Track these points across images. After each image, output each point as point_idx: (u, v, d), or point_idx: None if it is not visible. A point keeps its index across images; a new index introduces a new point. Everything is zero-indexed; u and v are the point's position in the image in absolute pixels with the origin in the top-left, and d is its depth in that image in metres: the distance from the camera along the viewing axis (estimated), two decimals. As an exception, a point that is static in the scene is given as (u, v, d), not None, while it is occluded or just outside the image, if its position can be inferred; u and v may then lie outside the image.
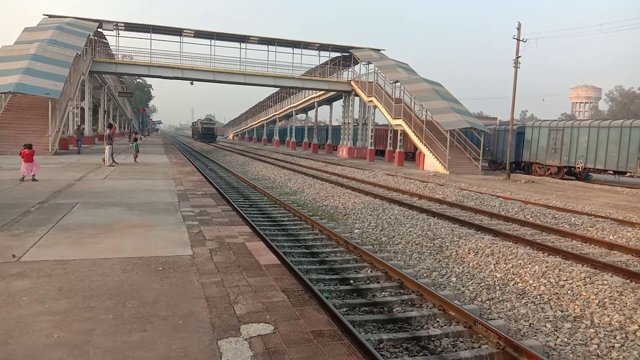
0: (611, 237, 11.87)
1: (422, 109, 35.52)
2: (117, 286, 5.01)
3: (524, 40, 28.79)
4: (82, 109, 38.00)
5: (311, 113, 62.95)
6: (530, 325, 6.65)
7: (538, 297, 7.59)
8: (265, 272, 5.73)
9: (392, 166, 34.67)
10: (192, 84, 43.14)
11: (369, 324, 6.44)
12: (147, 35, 39.77)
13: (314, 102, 55.63)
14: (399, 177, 24.84)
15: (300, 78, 44.39)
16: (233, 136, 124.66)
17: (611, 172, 27.12)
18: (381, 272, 8.47)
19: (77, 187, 12.72)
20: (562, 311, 7.04)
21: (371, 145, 41.39)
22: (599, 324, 6.62)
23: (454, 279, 8.56)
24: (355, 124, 46.52)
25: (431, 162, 31.61)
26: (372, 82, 40.41)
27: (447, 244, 10.46)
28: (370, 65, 41.87)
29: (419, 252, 10.26)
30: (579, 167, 28.04)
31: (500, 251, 9.59)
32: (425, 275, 8.82)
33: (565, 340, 6.20)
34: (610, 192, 22.70)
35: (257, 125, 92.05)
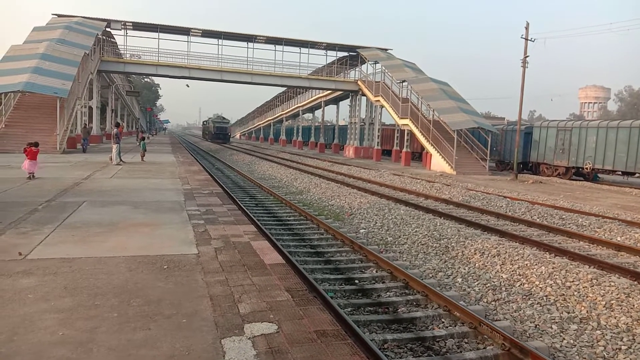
0: (619, 239, 11.78)
1: (429, 108, 35.41)
2: (122, 284, 5.03)
3: (533, 39, 28.65)
4: (90, 108, 38.23)
5: (318, 112, 63.12)
6: (536, 327, 6.61)
7: (544, 298, 7.54)
8: (270, 272, 5.73)
9: (398, 166, 34.59)
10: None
11: (374, 324, 6.43)
12: (155, 34, 39.94)
13: (321, 101, 55.64)
14: (406, 177, 24.78)
15: (307, 77, 44.40)
16: (240, 135, 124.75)
17: (620, 172, 26.91)
18: (386, 272, 8.45)
19: (84, 185, 12.79)
20: (569, 312, 6.99)
21: (378, 145, 41.33)
22: (605, 325, 6.57)
23: (459, 280, 8.52)
24: (362, 123, 46.47)
25: (438, 162, 31.52)
26: (379, 81, 40.37)
27: (453, 244, 10.42)
28: (377, 64, 41.84)
29: (424, 252, 10.23)
30: (587, 168, 27.85)
31: (506, 252, 9.54)
32: (430, 275, 8.79)
33: (572, 341, 6.16)
34: (619, 193, 22.52)
35: (263, 124, 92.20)
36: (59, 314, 4.19)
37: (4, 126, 26.57)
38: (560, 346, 6.05)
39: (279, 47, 42.70)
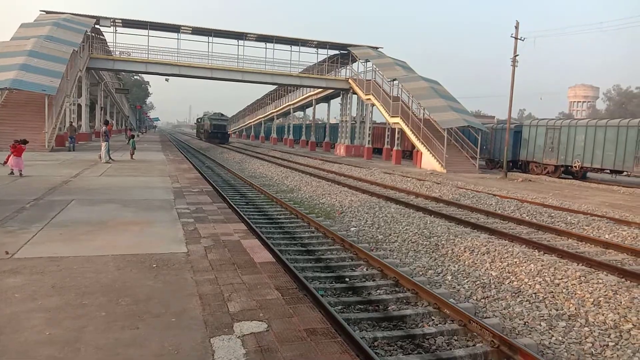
0: (607, 236, 11.89)
1: (420, 107, 35.52)
2: (111, 283, 4.99)
3: (522, 38, 28.83)
4: (79, 106, 37.87)
5: (309, 111, 63.08)
6: (525, 324, 6.65)
7: (533, 295, 7.59)
8: (260, 270, 5.71)
9: (389, 164, 34.67)
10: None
11: (364, 322, 6.43)
12: (145, 32, 39.64)
13: (312, 99, 55.58)
14: (396, 175, 24.84)
15: (298, 76, 44.33)
16: (230, 134, 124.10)
17: (608, 171, 27.17)
18: (377, 270, 8.46)
19: (73, 183, 12.68)
20: (557, 310, 7.04)
21: (369, 144, 41.39)
22: (593, 322, 6.63)
23: (449, 277, 8.55)
24: (353, 122, 46.51)
25: (428, 161, 31.62)
26: (370, 80, 40.40)
27: (443, 242, 10.46)
28: (368, 63, 41.87)
29: (415, 250, 10.26)
30: (576, 166, 28.08)
31: (496, 250, 9.59)
32: (420, 273, 8.81)
33: (560, 338, 6.20)
34: (607, 191, 22.73)
35: (254, 122, 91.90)
36: (46, 313, 4.15)
37: (-9, 124, 26.25)
38: (549, 343, 6.10)
39: (269, 45, 42.58)
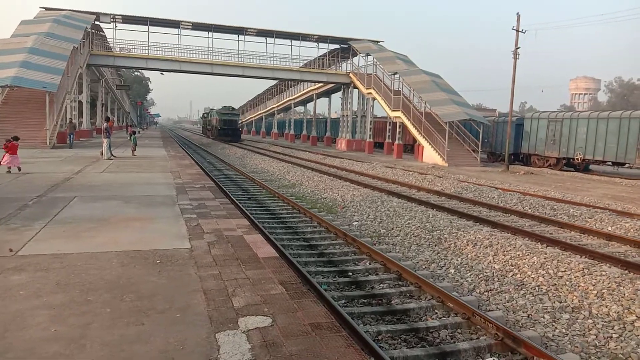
0: (610, 228, 11.87)
1: (421, 100, 35.43)
2: (115, 280, 5.00)
3: (524, 31, 28.67)
4: (80, 103, 37.88)
5: (310, 105, 62.90)
6: (528, 317, 6.65)
7: (536, 288, 7.59)
8: (264, 265, 5.72)
9: (390, 158, 34.63)
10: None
11: (368, 315, 6.44)
12: (145, 27, 39.57)
13: (313, 94, 55.48)
14: (398, 170, 24.82)
15: (299, 70, 44.23)
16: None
17: (610, 163, 27.11)
18: (380, 264, 8.47)
19: (75, 180, 12.69)
20: (561, 302, 7.04)
21: (370, 138, 41.33)
22: (597, 314, 6.63)
23: (452, 271, 8.56)
24: (354, 116, 46.43)
25: (430, 154, 31.58)
26: (371, 74, 40.29)
27: (445, 235, 10.46)
28: (369, 57, 41.72)
29: (417, 244, 10.25)
30: (577, 159, 28.03)
31: (498, 242, 9.59)
32: (423, 267, 8.82)
33: (564, 331, 6.21)
34: (609, 183, 22.70)
35: (255, 118, 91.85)
36: (51, 310, 4.16)
37: (-8, 121, 26.27)
38: (553, 335, 6.10)
39: (270, 40, 42.45)
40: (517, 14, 28.36)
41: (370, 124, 41.78)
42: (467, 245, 9.75)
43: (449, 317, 6.45)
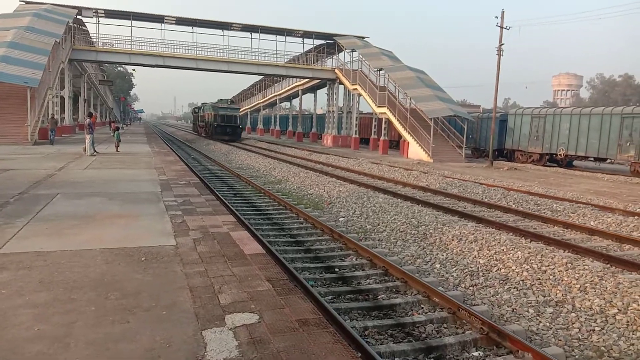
0: (592, 223, 12.05)
1: (407, 97, 35.56)
2: (99, 277, 4.94)
3: (507, 27, 28.90)
4: (62, 98, 37.31)
5: (295, 101, 62.67)
6: (513, 311, 6.73)
7: (521, 282, 7.68)
8: (250, 262, 5.70)
9: (376, 154, 34.72)
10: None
11: (354, 311, 6.46)
12: (128, 22, 39.05)
13: (298, 90, 55.34)
14: (384, 165, 24.90)
15: (284, 66, 44.06)
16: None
17: (592, 158, 27.51)
18: (366, 260, 8.49)
19: (58, 177, 12.51)
20: (545, 296, 7.13)
21: (356, 134, 41.38)
22: (580, 308, 6.73)
23: (438, 266, 8.62)
24: (340, 112, 46.42)
25: (415, 150, 31.73)
26: (357, 70, 40.28)
27: (431, 231, 10.52)
28: (354, 53, 41.72)
29: (403, 239, 10.30)
30: (560, 154, 28.38)
31: (483, 238, 9.67)
32: (409, 262, 8.86)
33: (548, 324, 6.29)
34: (591, 178, 23.03)
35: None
36: (34, 309, 4.10)
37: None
38: (537, 329, 6.18)
39: (255, 35, 42.20)
40: (502, 11, 28.59)
41: (356, 120, 41.82)
42: (452, 240, 9.82)
43: (434, 311, 6.50)
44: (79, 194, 9.90)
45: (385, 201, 13.73)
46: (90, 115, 21.45)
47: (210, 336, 3.71)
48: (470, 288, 7.61)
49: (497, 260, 8.61)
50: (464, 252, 9.21)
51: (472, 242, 9.54)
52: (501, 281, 7.76)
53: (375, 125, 40.16)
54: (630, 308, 6.47)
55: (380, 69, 37.64)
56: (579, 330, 6.12)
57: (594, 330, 6.10)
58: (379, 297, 7.04)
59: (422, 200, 14.09)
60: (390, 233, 10.80)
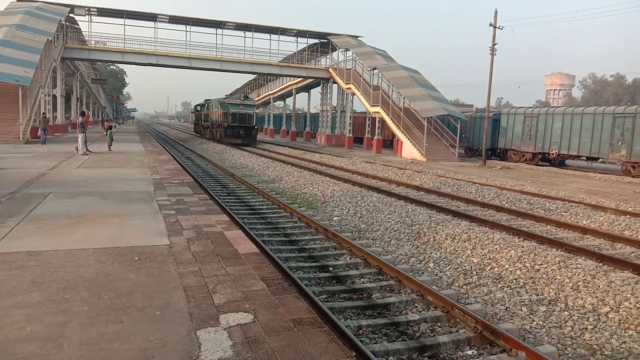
0: (584, 222, 12.12)
1: (400, 96, 35.62)
2: (92, 277, 4.91)
3: (501, 27, 29.03)
4: (54, 97, 37.08)
5: (289, 100, 62.66)
6: (506, 309, 6.75)
7: (514, 281, 7.71)
8: (244, 261, 5.68)
9: (370, 153, 34.76)
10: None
11: (349, 310, 6.46)
12: (121, 20, 38.88)
13: (292, 89, 55.34)
14: (377, 165, 24.93)
15: (278, 65, 44.01)
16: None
17: (584, 158, 27.69)
18: (360, 259, 8.49)
19: (50, 176, 12.43)
20: (538, 295, 7.17)
21: (349, 133, 41.42)
22: (572, 306, 6.77)
23: (431, 265, 8.64)
24: (334, 111, 46.45)
25: (409, 150, 31.80)
26: (350, 69, 40.31)
27: (424, 230, 10.54)
28: (348, 52, 41.74)
29: (397, 238, 10.32)
30: (553, 153, 28.53)
31: (476, 236, 9.70)
32: (403, 261, 8.88)
33: (541, 323, 6.32)
34: (584, 177, 23.17)
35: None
36: (27, 309, 4.07)
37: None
38: (530, 327, 6.21)
39: (248, 34, 42.14)
40: (495, 10, 28.69)
41: (350, 119, 41.85)
42: (446, 239, 9.85)
43: (428, 310, 6.51)
44: (71, 193, 9.84)
45: (379, 200, 13.75)
46: (82, 114, 21.30)
47: (204, 336, 3.70)
48: (464, 287, 7.63)
49: (490, 259, 8.64)
50: (457, 251, 9.24)
51: (465, 241, 9.57)
52: (494, 280, 7.79)
53: (369, 124, 40.20)
54: (622, 306, 6.51)
55: (374, 68, 37.69)
56: (572, 328, 6.15)
57: (586, 328, 6.14)
58: (373, 296, 7.05)
59: (416, 199, 14.12)
60: (384, 232, 10.81)
